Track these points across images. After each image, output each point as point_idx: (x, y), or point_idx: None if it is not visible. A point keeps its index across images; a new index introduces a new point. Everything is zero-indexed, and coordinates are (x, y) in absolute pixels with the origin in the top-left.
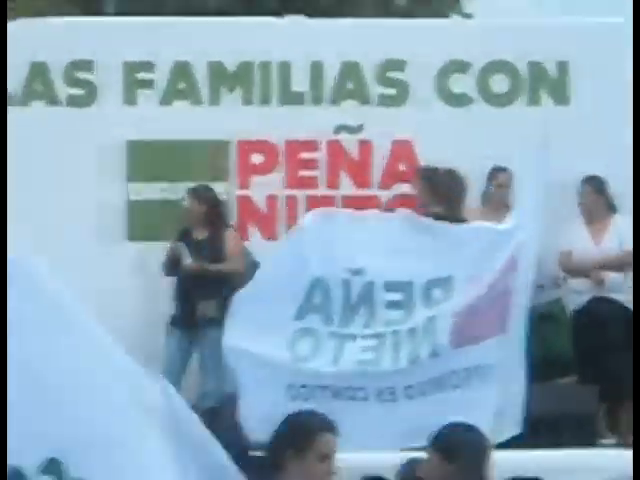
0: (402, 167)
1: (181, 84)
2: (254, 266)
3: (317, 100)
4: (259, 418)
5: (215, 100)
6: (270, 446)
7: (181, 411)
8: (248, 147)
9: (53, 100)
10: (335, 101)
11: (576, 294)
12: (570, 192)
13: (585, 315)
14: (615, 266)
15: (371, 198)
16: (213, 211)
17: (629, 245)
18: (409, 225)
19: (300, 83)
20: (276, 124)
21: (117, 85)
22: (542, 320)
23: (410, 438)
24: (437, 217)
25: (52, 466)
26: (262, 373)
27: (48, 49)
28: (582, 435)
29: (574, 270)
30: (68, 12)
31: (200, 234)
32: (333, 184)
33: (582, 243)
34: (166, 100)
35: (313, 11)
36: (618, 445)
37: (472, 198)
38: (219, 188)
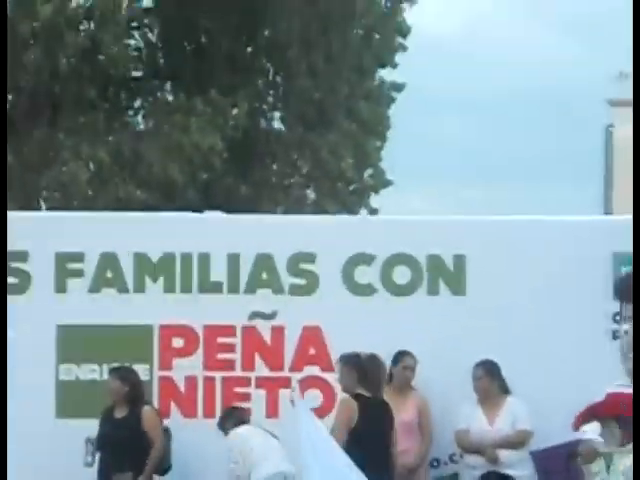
0: (312, 351)
1: (108, 273)
2: (168, 436)
3: (234, 289)
4: None
5: (140, 288)
6: None
7: None
8: (169, 331)
9: None
10: (250, 290)
11: (471, 469)
12: (466, 375)
13: None
14: (508, 445)
15: (283, 379)
16: (133, 390)
17: (521, 425)
18: None
19: (218, 273)
20: (196, 310)
21: (49, 274)
22: None
23: None
24: (361, 398)
25: None
26: None
27: None
28: None
29: (470, 448)
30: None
31: (120, 412)
32: (248, 366)
33: (477, 423)
34: (94, 288)
35: (231, 206)
36: None
37: None
38: (142, 369)
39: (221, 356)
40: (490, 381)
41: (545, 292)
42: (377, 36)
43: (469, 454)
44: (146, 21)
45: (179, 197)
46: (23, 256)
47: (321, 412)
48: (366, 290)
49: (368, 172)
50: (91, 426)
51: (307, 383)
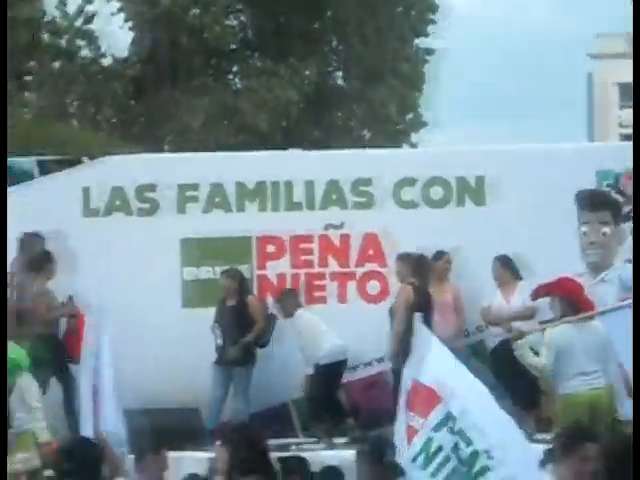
0: (371, 252)
1: (217, 198)
2: (271, 317)
3: (311, 207)
4: None
5: (241, 208)
6: None
7: None
8: (264, 240)
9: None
10: (323, 207)
11: (492, 337)
12: (488, 267)
13: (498, 351)
14: (520, 317)
15: (350, 274)
16: (240, 285)
17: (529, 303)
18: None
19: (299, 195)
20: (283, 224)
21: (172, 200)
22: (469, 356)
23: None
24: (413, 286)
25: None
26: None
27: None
28: None
29: (491, 320)
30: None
31: (231, 302)
32: (323, 264)
33: (496, 301)
34: (207, 209)
35: (308, 144)
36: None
37: None
38: (245, 269)
39: (303, 257)
40: (504, 270)
41: (545, 202)
42: (413, 12)
43: (491, 325)
44: (238, 6)
45: (267, 139)
46: (152, 187)
47: (378, 297)
48: (410, 205)
49: (409, 116)
50: (209, 314)
51: (368, 276)
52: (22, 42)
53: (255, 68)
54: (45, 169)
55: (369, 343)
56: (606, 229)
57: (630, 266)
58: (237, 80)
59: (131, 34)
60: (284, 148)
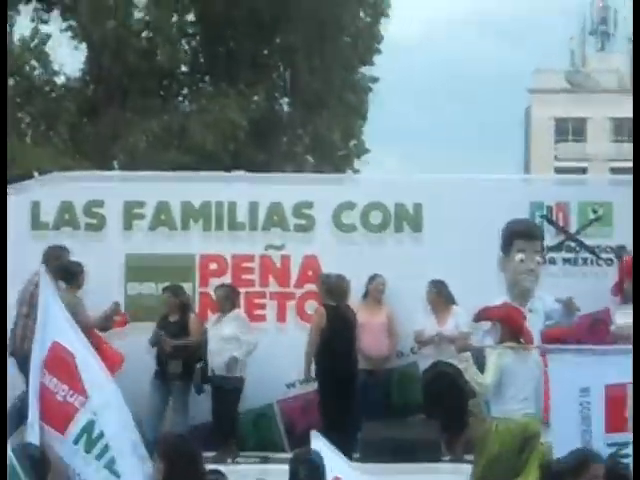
0: (310, 273)
1: (162, 216)
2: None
3: (253, 227)
4: None
5: (185, 227)
6: None
7: None
8: (207, 259)
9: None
10: (266, 228)
11: (425, 358)
12: (423, 291)
13: (430, 373)
14: (451, 340)
15: (289, 294)
16: (182, 302)
17: (463, 328)
18: None
19: (242, 216)
20: (226, 243)
21: (119, 216)
22: (402, 376)
23: None
24: (330, 307)
25: None
26: None
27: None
28: (429, 454)
29: (424, 343)
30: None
31: (173, 317)
32: (264, 284)
33: (429, 325)
34: (152, 227)
35: (253, 167)
36: (454, 461)
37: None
38: (187, 286)
39: (244, 276)
40: (438, 294)
41: (480, 228)
42: (360, 42)
43: (423, 347)
44: (190, 30)
45: (214, 161)
46: (100, 203)
47: None
48: (349, 228)
49: (352, 143)
50: (151, 328)
51: (306, 296)
52: None
53: (205, 91)
54: None
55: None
56: (539, 258)
57: (550, 298)
58: (187, 102)
59: (84, 54)
60: (230, 170)
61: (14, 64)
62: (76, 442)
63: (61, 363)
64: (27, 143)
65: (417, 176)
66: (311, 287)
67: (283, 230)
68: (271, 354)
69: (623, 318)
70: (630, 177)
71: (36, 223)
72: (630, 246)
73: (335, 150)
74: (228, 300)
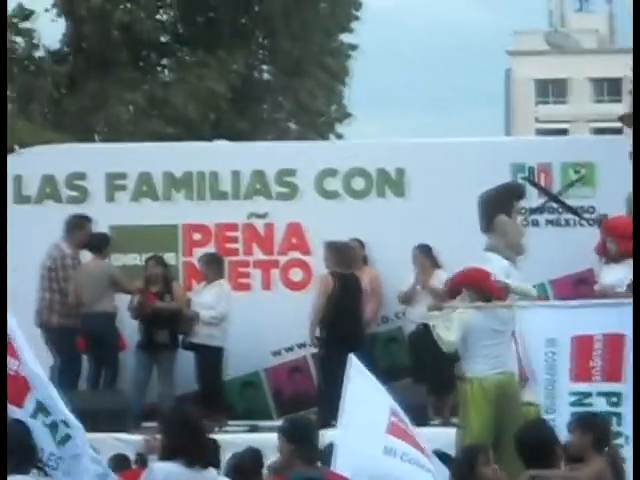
0: (294, 240)
1: (145, 187)
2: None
3: (236, 196)
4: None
5: (167, 197)
6: None
7: None
8: (190, 228)
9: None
10: (248, 196)
11: (410, 323)
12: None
13: (416, 337)
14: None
15: (273, 262)
16: (165, 272)
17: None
18: None
19: (225, 185)
20: (209, 213)
21: (101, 188)
22: (388, 341)
23: None
24: (337, 274)
25: None
26: None
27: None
28: (417, 418)
29: (407, 302)
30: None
31: (155, 288)
32: (248, 252)
33: (413, 287)
34: (134, 198)
35: (234, 136)
36: (442, 424)
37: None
38: (171, 257)
39: (228, 245)
40: (424, 258)
41: (463, 191)
42: (338, 9)
43: (407, 307)
44: (168, 0)
45: (195, 130)
46: (82, 176)
47: (301, 284)
48: (332, 195)
49: (334, 108)
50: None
51: (290, 264)
52: None
53: (185, 61)
54: None
55: (291, 329)
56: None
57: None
58: (167, 73)
59: (62, 27)
60: (212, 139)
61: None
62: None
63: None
64: (8, 119)
65: (398, 140)
66: (295, 255)
67: (266, 198)
68: (257, 322)
69: (607, 277)
70: (612, 137)
71: (18, 197)
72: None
73: (317, 116)
74: (212, 269)
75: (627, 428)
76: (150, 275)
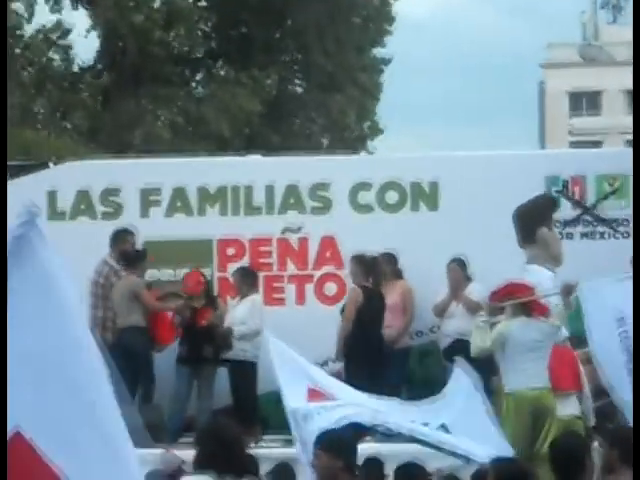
0: (328, 254)
1: (179, 202)
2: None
3: (270, 211)
4: None
5: (202, 212)
6: None
7: None
8: (224, 244)
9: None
10: (282, 211)
11: (445, 337)
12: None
13: (451, 351)
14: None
15: (308, 276)
16: (207, 286)
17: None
18: None
19: (258, 200)
20: (243, 227)
21: (136, 204)
22: (422, 355)
23: None
24: (365, 288)
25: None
26: None
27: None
28: None
29: (442, 315)
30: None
31: (198, 303)
32: (282, 267)
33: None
34: (169, 214)
35: (267, 150)
36: None
37: None
38: (205, 272)
39: (262, 260)
40: (458, 271)
41: (497, 204)
42: (371, 25)
43: (442, 321)
44: (203, 15)
45: (229, 146)
46: (116, 192)
47: (335, 298)
48: (366, 208)
49: (366, 124)
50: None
51: (324, 278)
52: None
53: (218, 76)
54: (12, 174)
55: (325, 343)
56: None
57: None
58: (200, 88)
59: (96, 43)
60: (245, 154)
61: (28, 55)
62: None
63: None
64: (42, 133)
65: (431, 154)
66: (329, 269)
67: (300, 212)
68: (291, 337)
69: None
70: None
71: (53, 213)
72: None
73: (349, 131)
74: (246, 283)
75: None
76: (189, 290)
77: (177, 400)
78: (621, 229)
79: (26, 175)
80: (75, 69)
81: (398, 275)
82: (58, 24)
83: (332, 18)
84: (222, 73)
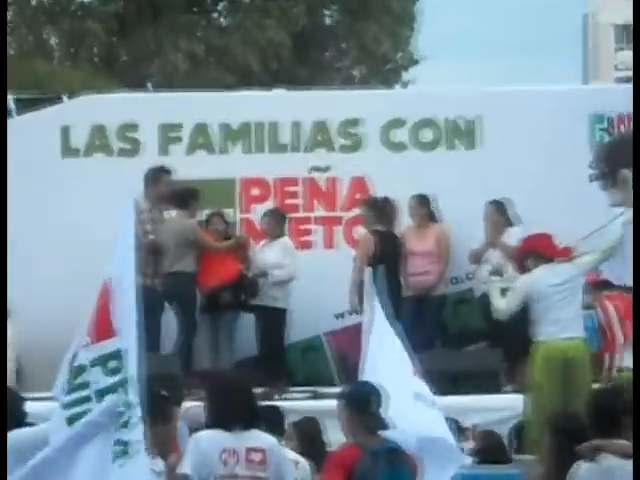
0: (358, 196)
1: (200, 139)
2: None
3: (296, 149)
4: None
5: (224, 150)
6: None
7: None
8: (248, 183)
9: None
10: (309, 149)
11: (482, 284)
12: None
13: (487, 298)
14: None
15: (336, 218)
16: (227, 228)
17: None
18: None
19: (284, 137)
20: (268, 166)
21: (154, 141)
22: (458, 303)
23: None
24: (378, 233)
25: None
26: None
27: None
28: (489, 385)
29: (477, 261)
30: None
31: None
32: (309, 208)
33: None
34: (189, 151)
35: (294, 84)
36: (515, 391)
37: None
38: (228, 213)
39: (288, 201)
40: (497, 215)
41: (538, 144)
42: None
43: (479, 267)
44: None
45: (255, 79)
46: (134, 127)
47: None
48: (398, 147)
49: (400, 54)
50: None
51: (354, 221)
52: None
53: (243, 4)
54: (24, 107)
55: None
56: None
57: None
58: (223, 19)
59: None
60: (271, 88)
61: None
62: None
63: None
64: (55, 65)
65: (469, 88)
66: (359, 211)
67: (328, 150)
68: (318, 283)
69: None
70: None
71: (66, 150)
72: None
73: (382, 63)
74: (276, 226)
75: None
76: (215, 232)
77: (205, 349)
78: None
79: (38, 110)
80: None
81: (432, 218)
82: None
83: None
84: (247, 0)
